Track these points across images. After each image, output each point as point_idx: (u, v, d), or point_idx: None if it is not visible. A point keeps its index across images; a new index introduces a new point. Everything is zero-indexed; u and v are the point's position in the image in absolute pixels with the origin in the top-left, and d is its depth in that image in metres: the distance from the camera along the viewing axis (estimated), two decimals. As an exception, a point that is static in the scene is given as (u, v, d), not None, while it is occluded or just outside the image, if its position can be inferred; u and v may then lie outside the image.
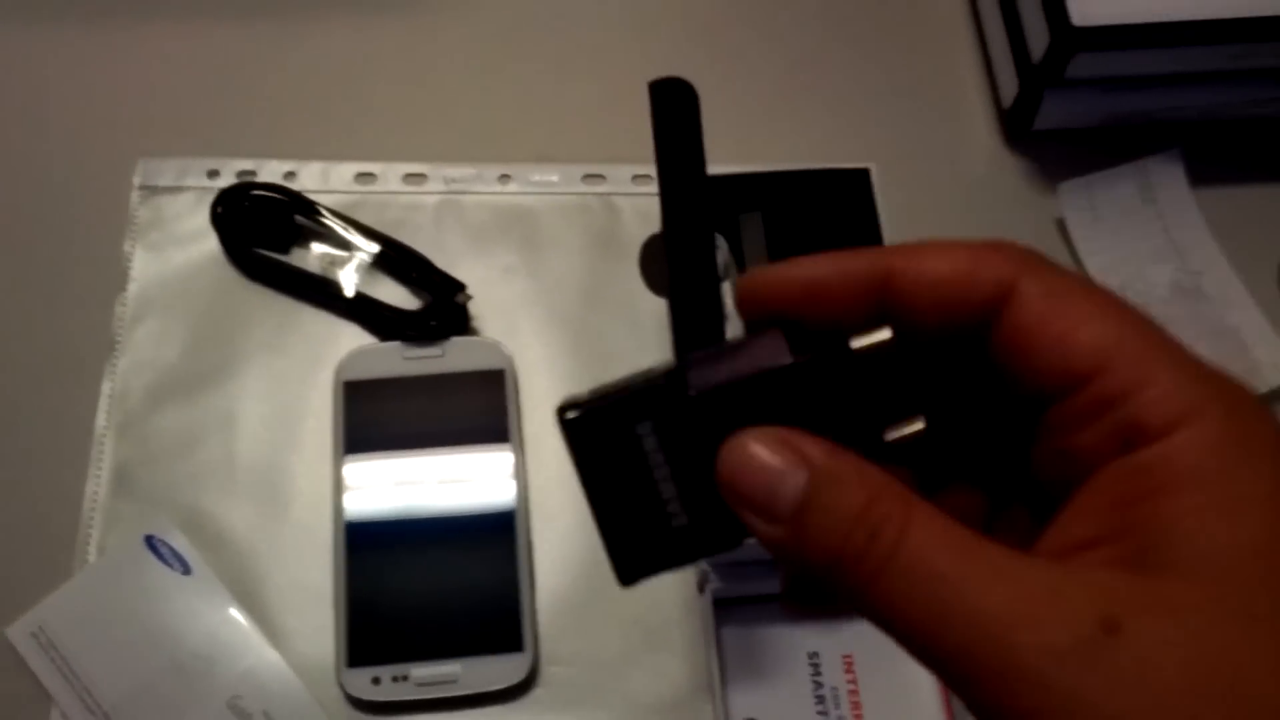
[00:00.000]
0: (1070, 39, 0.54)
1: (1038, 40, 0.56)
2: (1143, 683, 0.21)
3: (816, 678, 0.50)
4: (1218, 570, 0.22)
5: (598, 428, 0.26)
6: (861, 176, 0.53)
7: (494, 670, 0.49)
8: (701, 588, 0.50)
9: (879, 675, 0.50)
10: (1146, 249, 0.59)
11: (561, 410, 0.27)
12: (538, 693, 0.50)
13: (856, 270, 0.25)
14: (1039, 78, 0.57)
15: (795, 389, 0.25)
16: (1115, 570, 0.22)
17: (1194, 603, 0.21)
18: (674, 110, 0.45)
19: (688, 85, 0.45)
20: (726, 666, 0.50)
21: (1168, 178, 0.60)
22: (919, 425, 0.26)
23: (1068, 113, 0.59)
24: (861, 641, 0.50)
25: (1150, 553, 0.22)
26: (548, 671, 0.50)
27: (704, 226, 0.43)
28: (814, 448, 0.24)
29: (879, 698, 0.49)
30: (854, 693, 0.49)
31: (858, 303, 0.25)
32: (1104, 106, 0.59)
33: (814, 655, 0.50)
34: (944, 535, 0.23)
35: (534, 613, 0.50)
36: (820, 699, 0.49)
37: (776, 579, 0.49)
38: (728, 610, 0.50)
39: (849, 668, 0.50)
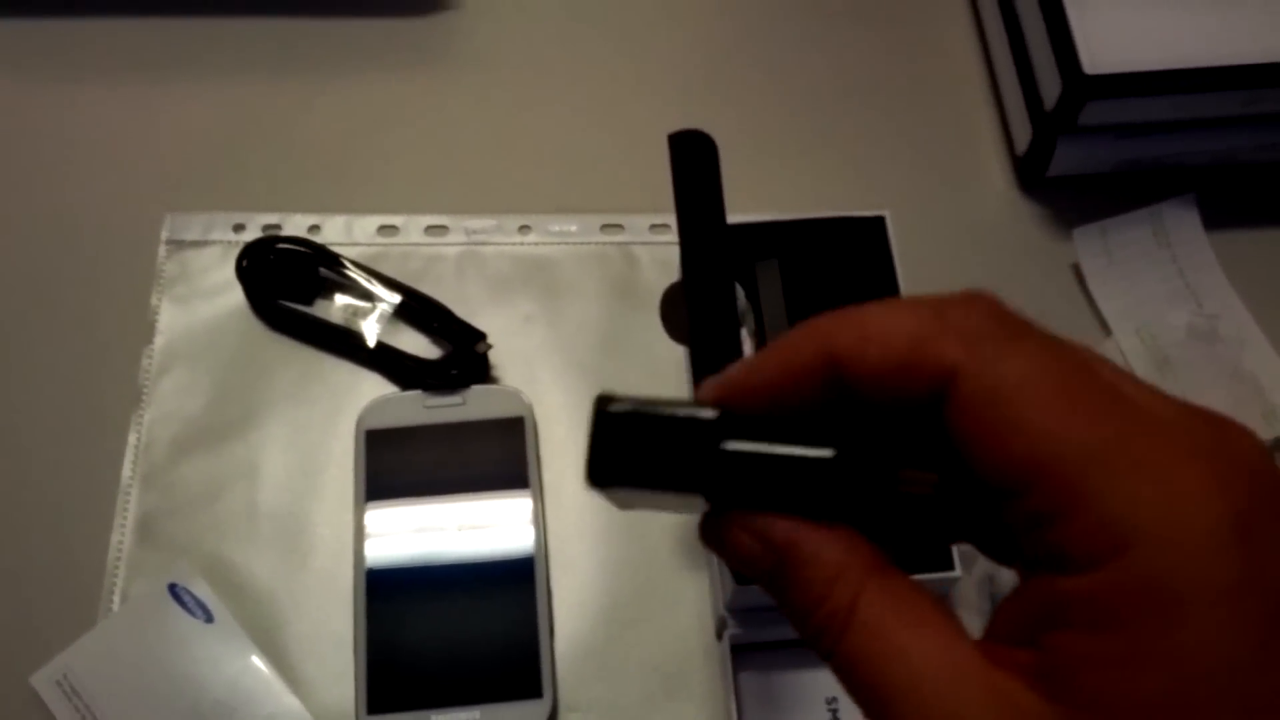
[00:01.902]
0: (1082, 87, 0.54)
1: (1050, 88, 0.57)
2: None
3: None
4: None
5: (630, 431, 0.27)
6: (877, 224, 0.54)
7: (513, 717, 0.49)
8: (720, 633, 0.50)
9: None
10: (1162, 293, 0.59)
11: (603, 401, 0.28)
12: (557, 740, 0.50)
13: (801, 367, 0.26)
14: (1052, 125, 0.58)
15: (825, 477, 0.26)
16: (1031, 687, 0.23)
17: None
18: (693, 161, 0.45)
19: (706, 137, 0.46)
20: (745, 711, 0.49)
21: (1182, 222, 0.60)
22: (931, 480, 0.26)
23: (1081, 159, 0.60)
24: None
25: (1059, 683, 0.22)
26: (566, 718, 0.50)
27: (724, 275, 0.44)
28: (782, 532, 0.25)
29: None
30: None
31: (812, 395, 0.26)
32: (1117, 153, 0.60)
33: (832, 701, 0.50)
34: (887, 616, 0.24)
35: (553, 659, 0.50)
36: None
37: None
38: (746, 656, 0.50)
39: None
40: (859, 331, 0.25)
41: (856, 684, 0.25)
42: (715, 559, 0.50)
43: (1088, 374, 0.23)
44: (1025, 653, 0.23)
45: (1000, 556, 0.28)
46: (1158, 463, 0.22)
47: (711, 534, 0.27)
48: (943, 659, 0.23)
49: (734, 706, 0.49)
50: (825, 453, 0.25)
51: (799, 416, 0.26)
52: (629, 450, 0.27)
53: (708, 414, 0.26)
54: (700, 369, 0.44)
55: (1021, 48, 0.60)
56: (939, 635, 0.24)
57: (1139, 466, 0.22)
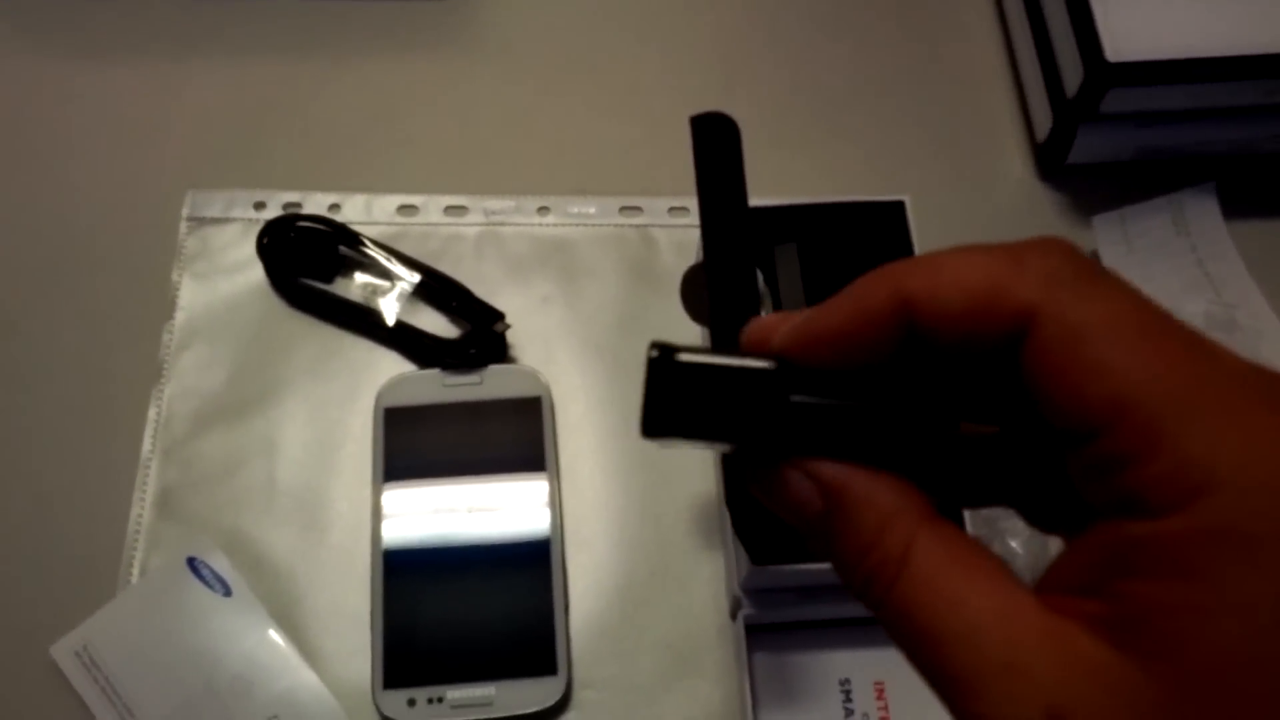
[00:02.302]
0: (1104, 74, 0.54)
1: (1072, 75, 0.57)
2: None
3: (848, 704, 0.50)
4: (1182, 674, 0.21)
5: (688, 382, 0.26)
6: (897, 209, 0.54)
7: (528, 693, 0.49)
8: (734, 614, 0.50)
9: (911, 702, 0.50)
10: (1180, 282, 0.59)
11: (658, 350, 0.27)
12: (570, 716, 0.50)
13: (874, 310, 0.25)
14: (1073, 112, 0.58)
15: (885, 429, 0.26)
16: (1097, 635, 0.22)
17: (1154, 700, 0.21)
18: (715, 143, 0.45)
19: (728, 119, 0.46)
20: (758, 692, 0.50)
21: (1202, 211, 0.60)
22: (991, 433, 0.26)
23: (1101, 147, 0.60)
24: (893, 668, 0.50)
25: (1128, 631, 0.22)
26: (581, 695, 0.50)
27: (745, 258, 0.44)
28: (835, 475, 0.25)
29: None
30: (885, 719, 0.49)
31: (881, 343, 0.25)
32: (1137, 141, 0.60)
33: (845, 682, 0.50)
34: (943, 563, 0.24)
35: (568, 637, 0.51)
36: None
37: (809, 606, 0.49)
38: (760, 636, 0.50)
39: (880, 694, 0.50)
40: (934, 275, 0.24)
41: (907, 633, 0.24)
42: (731, 539, 0.50)
43: (1168, 320, 0.23)
44: (1090, 602, 0.22)
45: (1043, 521, 0.27)
46: (1240, 409, 0.22)
47: (761, 477, 0.26)
48: (1000, 607, 0.23)
49: (748, 687, 0.49)
50: (888, 405, 0.25)
51: (856, 369, 0.25)
52: (687, 401, 0.26)
53: (767, 365, 0.26)
54: (720, 350, 0.44)
55: (1044, 35, 0.60)
56: (995, 583, 0.23)
57: (1222, 412, 0.22)
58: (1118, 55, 0.55)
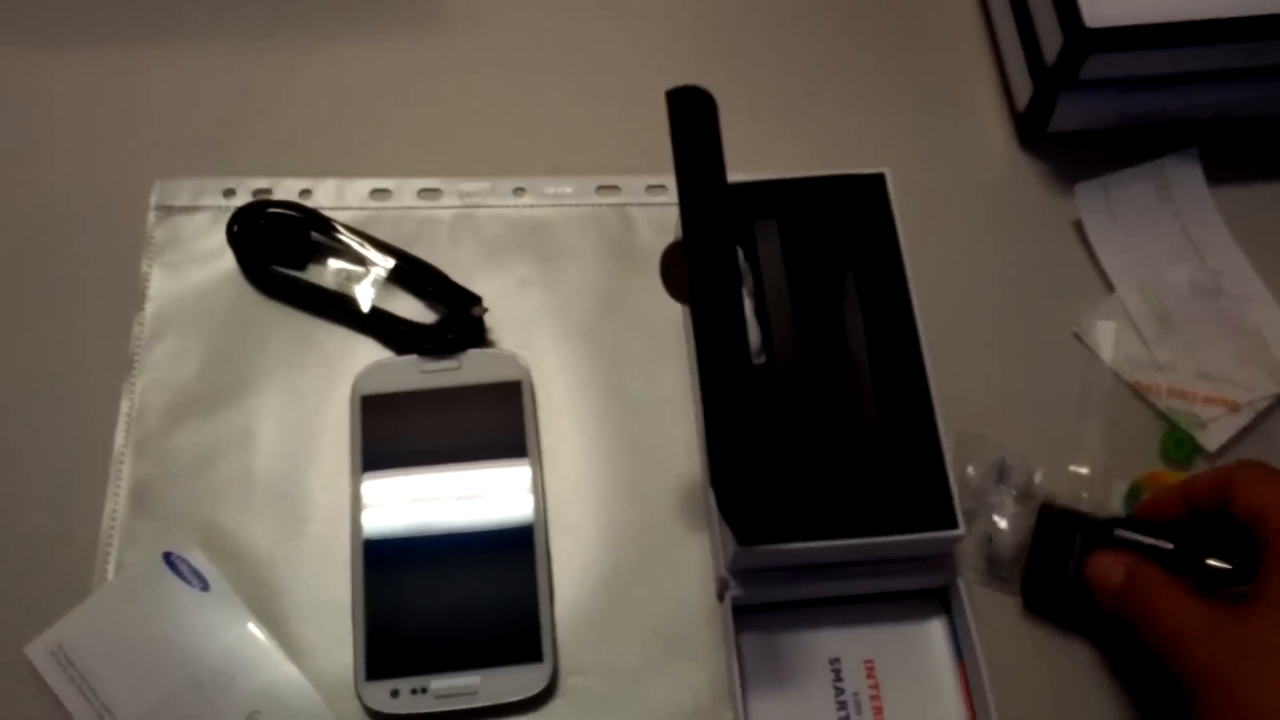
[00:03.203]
0: (1083, 40, 0.54)
1: (1051, 42, 0.56)
2: None
3: (838, 683, 0.49)
4: None
5: (1059, 522, 0.51)
6: (877, 181, 0.53)
7: (513, 681, 0.49)
8: (721, 595, 0.50)
9: (900, 680, 0.49)
10: (1165, 249, 0.58)
11: (1043, 506, 0.52)
12: (557, 703, 0.49)
13: (1213, 492, 0.47)
14: (1052, 80, 0.57)
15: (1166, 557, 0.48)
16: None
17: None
18: (693, 118, 0.45)
19: (705, 93, 0.45)
20: (747, 673, 0.49)
21: (1185, 177, 0.59)
22: (1227, 566, 0.47)
23: (1082, 114, 0.59)
24: (883, 646, 0.50)
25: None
26: (568, 682, 0.50)
27: (724, 234, 0.43)
28: (1125, 564, 0.48)
29: (901, 702, 0.49)
30: (875, 698, 0.49)
31: (1212, 504, 0.47)
32: (1119, 107, 0.59)
33: (835, 661, 0.49)
34: (1177, 604, 0.45)
35: (553, 623, 0.50)
36: (842, 704, 0.49)
37: (796, 586, 0.48)
38: (747, 617, 0.50)
39: (870, 673, 0.49)
40: (1247, 484, 0.46)
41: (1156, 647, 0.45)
42: (717, 521, 0.50)
43: None
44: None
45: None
46: None
47: (1093, 563, 0.49)
48: (1224, 637, 0.43)
49: (736, 667, 0.48)
50: (1167, 545, 0.48)
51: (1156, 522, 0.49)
52: (1058, 539, 0.51)
53: (1106, 516, 0.50)
54: (701, 327, 0.44)
55: (1021, 1, 0.59)
56: (1218, 618, 0.44)
57: None
58: (1096, 20, 0.54)
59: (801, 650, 0.50)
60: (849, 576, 0.49)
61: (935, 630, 0.50)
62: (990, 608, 0.51)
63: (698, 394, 0.53)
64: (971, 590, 0.50)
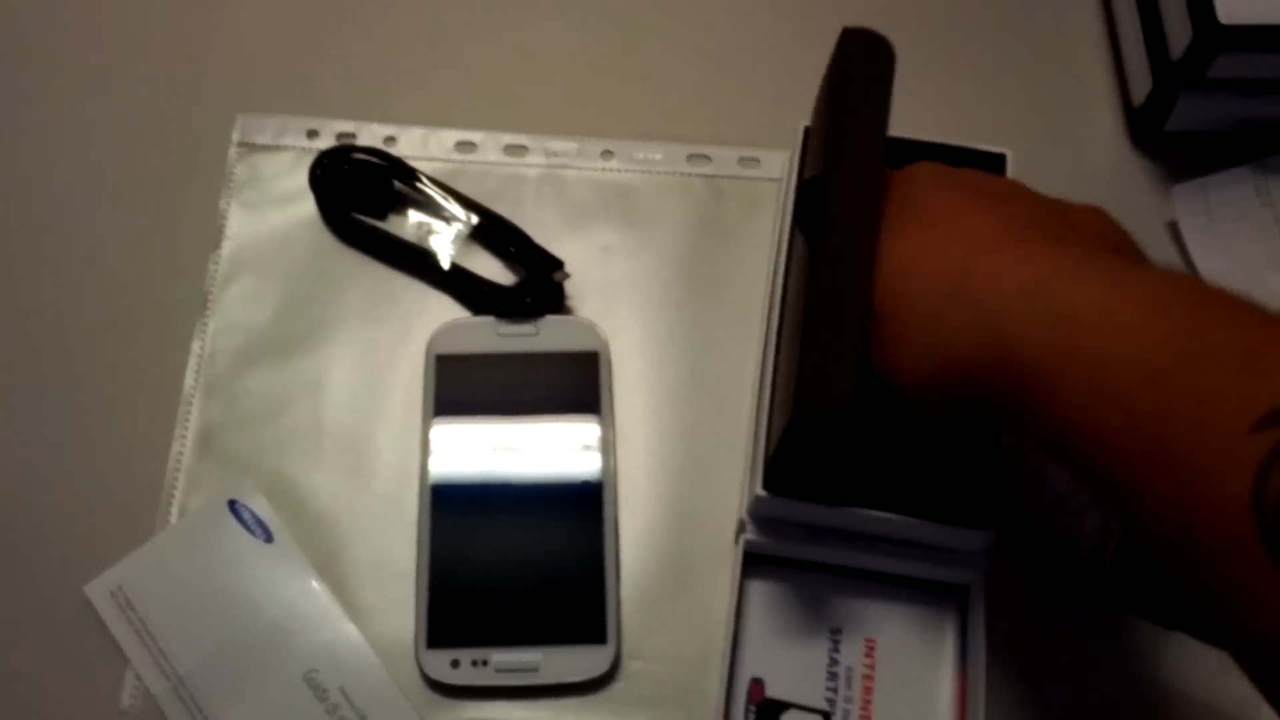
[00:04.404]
0: (1215, 38, 0.51)
1: (1178, 37, 0.53)
2: None
3: (834, 654, 0.48)
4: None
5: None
6: (998, 161, 0.51)
7: (575, 661, 0.48)
8: (737, 537, 0.49)
9: (897, 666, 0.48)
10: (1263, 253, 0.56)
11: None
12: (617, 687, 0.48)
13: None
14: (1176, 76, 0.54)
15: None
16: None
17: None
18: (864, 63, 0.43)
19: (884, 41, 0.44)
20: (745, 619, 0.48)
21: (1292, 182, 0.57)
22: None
23: (1201, 115, 0.56)
24: (888, 629, 0.48)
25: None
26: (629, 666, 0.49)
27: (876, 184, 0.42)
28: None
29: (893, 688, 0.48)
30: (869, 678, 0.48)
31: None
32: (1240, 110, 0.56)
33: (836, 632, 0.48)
34: None
35: (618, 605, 0.49)
36: (834, 675, 0.48)
37: (816, 546, 0.47)
38: (760, 566, 0.49)
39: (870, 652, 0.48)
40: None
41: None
42: (747, 461, 0.48)
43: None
44: None
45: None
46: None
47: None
48: None
49: (734, 609, 0.47)
50: None
51: None
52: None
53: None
54: (827, 263, 0.42)
55: (1149, -8, 0.57)
56: None
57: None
58: (1231, 17, 0.51)
59: (806, 612, 0.49)
60: (870, 550, 0.48)
61: (945, 626, 0.49)
62: (1010, 618, 0.49)
63: (761, 362, 0.51)
64: (988, 595, 0.49)
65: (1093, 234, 0.41)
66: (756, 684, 0.47)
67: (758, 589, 0.49)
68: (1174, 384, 0.32)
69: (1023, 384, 0.35)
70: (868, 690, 0.47)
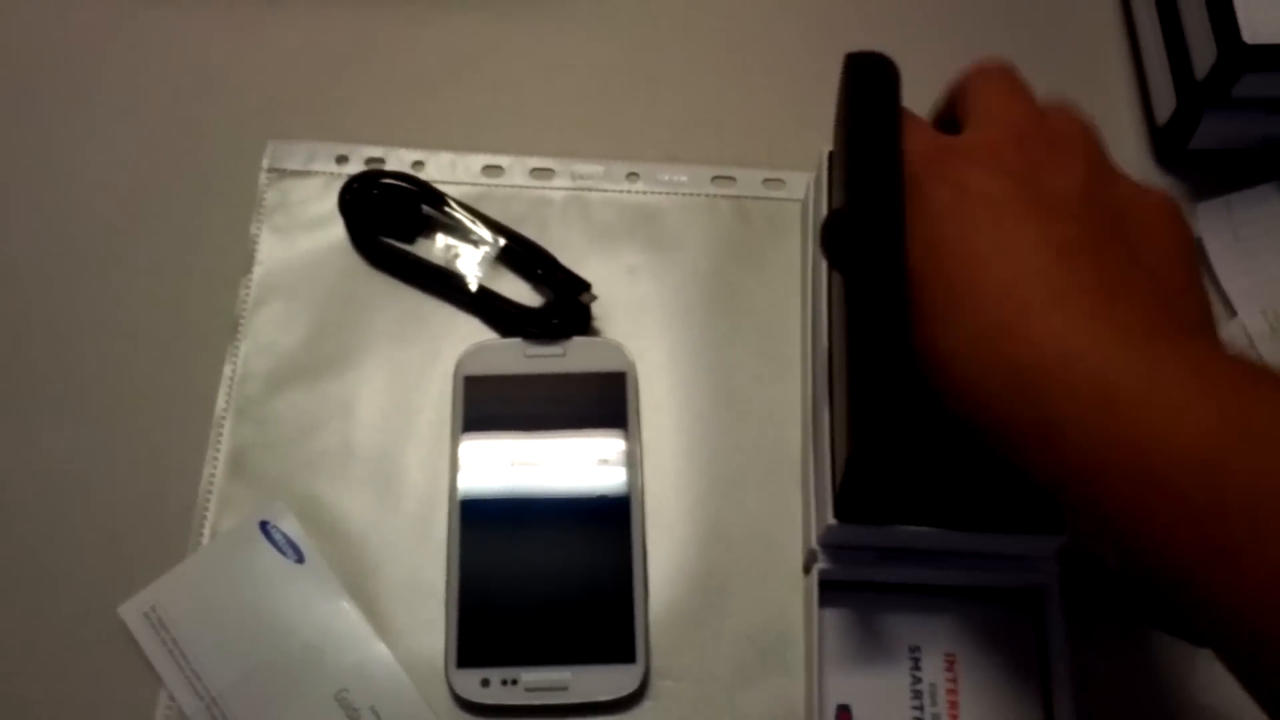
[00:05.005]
0: (1241, 56, 0.51)
1: (1203, 56, 0.54)
2: None
3: (916, 672, 0.48)
4: None
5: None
6: None
7: (605, 680, 0.48)
8: (808, 568, 0.49)
9: (980, 677, 0.48)
10: (1289, 272, 0.56)
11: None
12: (647, 705, 0.48)
13: (947, 98, 0.43)
14: (1201, 96, 0.54)
15: None
16: None
17: None
18: (870, 87, 0.43)
19: (889, 61, 0.44)
20: (826, 648, 0.48)
21: (1320, 200, 0.57)
22: None
23: (1227, 133, 0.56)
24: (966, 641, 0.48)
25: None
26: (658, 685, 0.49)
27: (896, 207, 0.42)
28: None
29: (978, 699, 0.47)
30: (952, 692, 0.47)
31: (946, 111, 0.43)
32: (1265, 128, 0.56)
33: (915, 649, 0.48)
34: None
35: (647, 623, 0.49)
36: (917, 694, 0.47)
37: (886, 568, 0.47)
38: (832, 594, 0.49)
39: (950, 666, 0.48)
40: None
41: None
42: (812, 491, 0.49)
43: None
44: None
45: None
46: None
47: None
48: None
49: (816, 641, 0.47)
50: None
51: None
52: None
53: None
54: (860, 296, 0.42)
55: (1172, 10, 0.57)
56: None
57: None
58: (1256, 36, 0.51)
59: (883, 634, 0.49)
60: (941, 565, 0.48)
61: (1023, 632, 0.49)
62: (1087, 618, 0.50)
63: (810, 393, 0.51)
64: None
65: (1153, 259, 0.38)
66: (844, 711, 0.47)
67: (833, 616, 0.49)
68: (1226, 474, 0.30)
69: (1066, 459, 0.34)
70: (953, 705, 0.47)
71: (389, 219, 0.56)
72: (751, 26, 0.63)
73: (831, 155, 0.52)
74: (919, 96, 0.57)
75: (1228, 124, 0.56)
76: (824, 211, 0.51)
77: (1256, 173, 0.57)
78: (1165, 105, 0.58)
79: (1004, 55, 0.48)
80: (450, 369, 0.53)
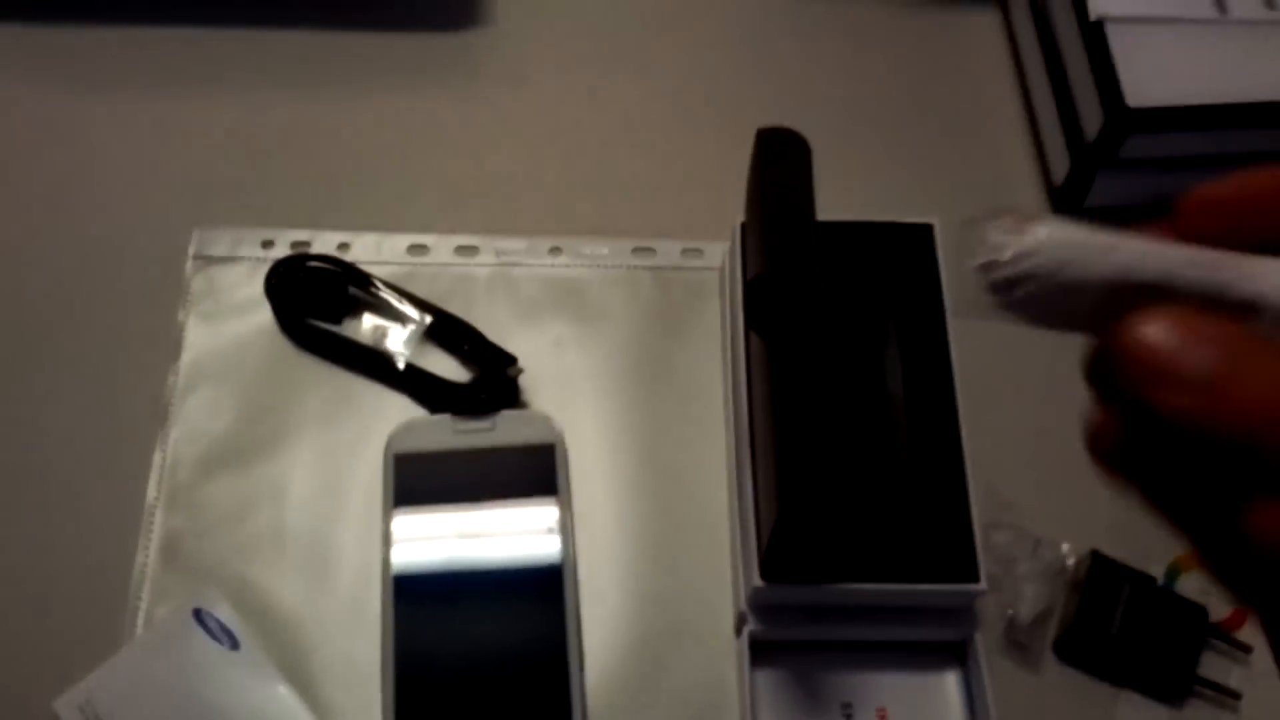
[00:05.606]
0: (1125, 120, 0.54)
1: (1091, 120, 0.56)
2: None
3: None
4: None
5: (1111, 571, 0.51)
6: (925, 231, 0.54)
7: (544, 752, 0.48)
8: (739, 630, 0.50)
9: None
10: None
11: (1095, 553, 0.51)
12: (586, 774, 0.49)
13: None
14: (1092, 157, 0.57)
15: None
16: None
17: None
18: (782, 159, 0.45)
19: (798, 136, 0.46)
20: (759, 710, 0.49)
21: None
22: None
23: (1120, 191, 0.59)
24: (896, 695, 0.49)
25: None
26: (597, 753, 0.49)
27: (811, 272, 0.43)
28: (1231, 329, 0.23)
29: None
30: None
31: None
32: (1157, 186, 0.59)
33: (847, 706, 0.49)
34: None
35: (583, 692, 0.50)
36: None
37: (814, 627, 0.48)
38: (763, 654, 0.50)
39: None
40: None
41: None
42: (739, 555, 0.50)
43: None
44: None
45: None
46: None
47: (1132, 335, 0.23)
48: None
49: (749, 703, 0.48)
50: None
51: None
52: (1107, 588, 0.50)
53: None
54: (782, 364, 0.43)
55: (1061, 77, 0.60)
56: None
57: None
58: (1139, 100, 0.54)
59: (815, 691, 0.50)
60: (868, 622, 0.49)
61: (950, 683, 0.50)
62: (1008, 667, 0.51)
63: (734, 455, 0.52)
64: (989, 647, 0.50)
65: None
66: None
67: (765, 677, 0.50)
68: None
69: None
70: None
71: (316, 301, 0.57)
72: (665, 105, 0.65)
73: (744, 226, 0.54)
74: (822, 169, 0.60)
75: (1119, 182, 0.58)
76: (739, 279, 0.53)
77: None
78: (1060, 166, 0.60)
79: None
80: (381, 448, 0.54)
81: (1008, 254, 0.25)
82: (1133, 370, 0.23)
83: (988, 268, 0.26)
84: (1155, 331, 0.23)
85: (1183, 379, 0.22)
